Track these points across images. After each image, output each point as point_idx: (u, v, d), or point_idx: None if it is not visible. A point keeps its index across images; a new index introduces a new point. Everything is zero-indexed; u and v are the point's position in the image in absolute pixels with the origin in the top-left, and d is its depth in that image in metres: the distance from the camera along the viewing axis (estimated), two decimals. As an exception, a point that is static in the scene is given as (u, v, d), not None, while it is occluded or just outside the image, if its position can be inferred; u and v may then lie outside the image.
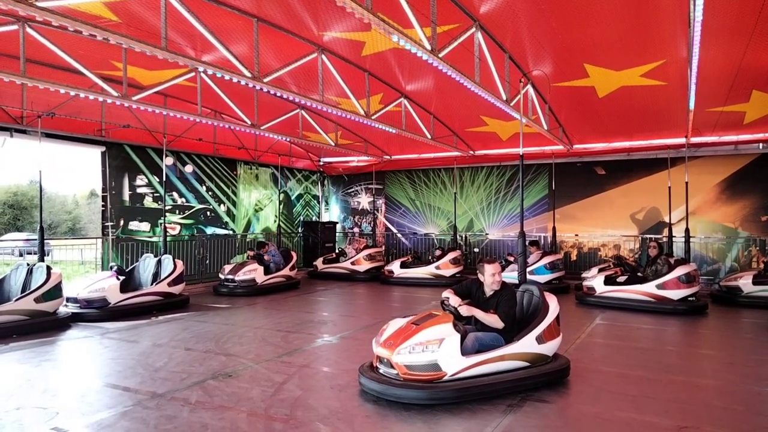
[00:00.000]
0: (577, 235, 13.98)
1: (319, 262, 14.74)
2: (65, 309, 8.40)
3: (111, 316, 8.55)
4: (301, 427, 4.15)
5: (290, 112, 11.59)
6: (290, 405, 4.61)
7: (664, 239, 11.84)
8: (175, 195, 13.12)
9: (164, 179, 11.21)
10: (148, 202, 12.38)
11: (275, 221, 15.96)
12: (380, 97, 10.43)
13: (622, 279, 9.80)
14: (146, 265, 9.84)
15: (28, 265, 8.24)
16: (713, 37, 6.75)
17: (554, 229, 12.73)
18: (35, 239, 8.81)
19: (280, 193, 16.10)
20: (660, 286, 9.13)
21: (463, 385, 4.63)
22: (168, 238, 11.04)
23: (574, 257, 14.04)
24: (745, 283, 9.76)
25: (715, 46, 7.18)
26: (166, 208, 12.02)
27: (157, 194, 12.44)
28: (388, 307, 10.22)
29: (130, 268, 10.02)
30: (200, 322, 8.32)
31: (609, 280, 9.81)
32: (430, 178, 16.24)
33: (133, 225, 12.03)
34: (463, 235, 15.50)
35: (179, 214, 13.21)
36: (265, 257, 12.01)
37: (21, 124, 9.85)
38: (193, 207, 13.57)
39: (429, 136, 11.87)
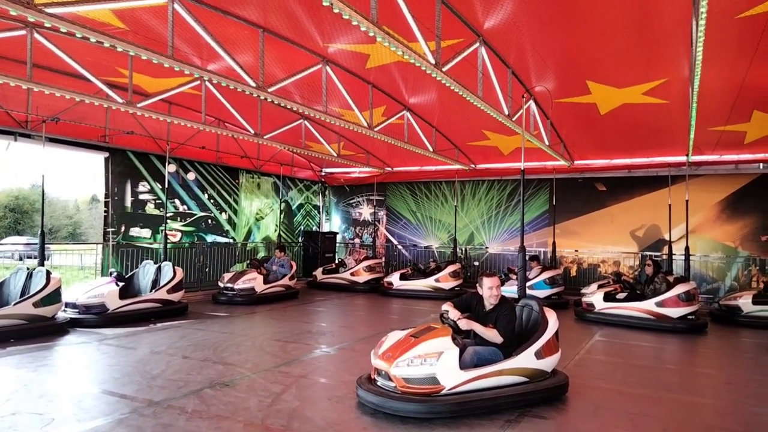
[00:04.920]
0: (577, 250, 13.98)
1: (318, 273, 14.71)
2: (64, 314, 8.38)
3: (109, 322, 8.52)
4: (297, 438, 4.13)
5: (293, 122, 11.65)
6: (287, 416, 4.59)
7: (664, 257, 11.84)
8: (177, 202, 13.14)
9: (166, 186, 11.24)
10: (150, 208, 12.40)
11: (276, 230, 15.97)
12: (383, 109, 10.49)
13: (621, 296, 9.77)
14: (146, 271, 9.83)
15: (27, 269, 8.24)
16: (715, 57, 6.80)
17: (554, 244, 12.72)
18: (35, 243, 8.84)
19: (281, 203, 16.13)
20: (659, 304, 9.10)
21: (462, 399, 4.61)
22: (168, 245, 11.03)
23: (573, 273, 14.01)
24: (745, 302, 9.73)
25: (717, 66, 7.23)
26: (168, 215, 12.04)
27: (159, 201, 12.47)
28: (387, 319, 10.19)
29: (129, 274, 10.01)
30: (198, 330, 8.30)
31: (608, 297, 9.78)
32: (432, 191, 16.27)
33: (134, 231, 12.04)
34: (464, 249, 15.50)
35: (180, 221, 13.23)
36: (273, 266, 12.05)
37: (25, 128, 9.89)
38: (195, 214, 13.59)
39: (431, 149, 11.92)
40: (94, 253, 11.78)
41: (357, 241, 17.79)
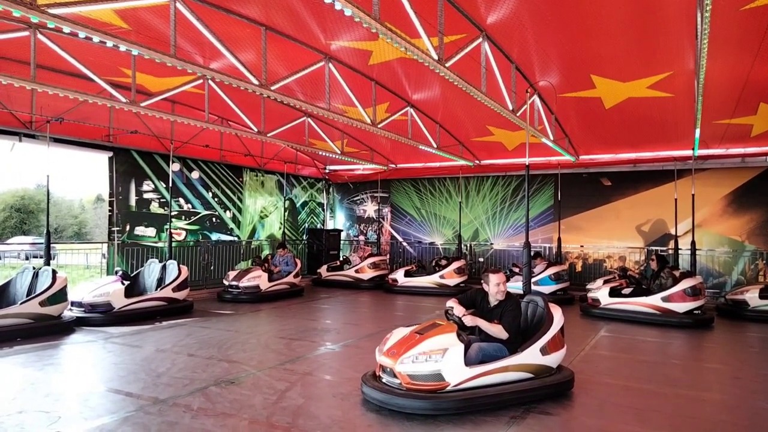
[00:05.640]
0: (582, 246, 13.93)
1: (323, 270, 14.74)
2: (70, 313, 8.42)
3: (115, 320, 8.56)
4: (302, 435, 4.14)
5: (296, 120, 11.64)
6: (292, 413, 4.60)
7: (670, 251, 11.78)
8: (182, 201, 13.17)
9: (171, 185, 11.26)
10: (155, 207, 12.43)
11: (280, 228, 15.99)
12: (387, 105, 10.46)
13: (627, 291, 9.74)
14: (151, 270, 9.87)
15: (33, 268, 8.28)
16: (720, 49, 6.75)
17: (559, 239, 12.68)
18: (41, 243, 8.86)
19: (285, 200, 16.13)
20: (665, 299, 9.07)
21: (467, 395, 4.60)
22: (173, 244, 11.06)
23: (579, 268, 13.97)
24: (752, 296, 9.68)
25: (722, 59, 7.17)
26: (172, 213, 12.06)
27: (164, 200, 12.50)
28: (392, 316, 10.20)
29: (134, 273, 10.05)
30: (204, 328, 8.33)
31: (614, 292, 9.75)
32: (436, 187, 16.24)
33: (139, 230, 12.08)
34: (468, 245, 15.48)
35: (185, 219, 13.26)
36: (275, 268, 12.05)
37: (30, 128, 9.92)
38: (199, 213, 13.62)
39: (435, 145, 11.89)
40: (100, 252, 11.82)
41: (361, 238, 17.79)
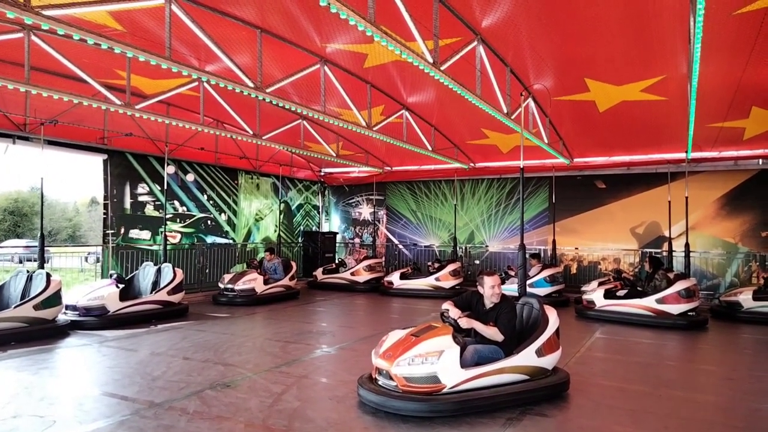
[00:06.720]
0: (577, 248, 13.98)
1: (318, 273, 14.72)
2: (64, 316, 8.38)
3: (110, 324, 8.52)
4: (298, 438, 4.13)
5: (292, 123, 11.65)
6: (288, 416, 4.59)
7: (664, 254, 11.84)
8: (176, 203, 13.14)
9: (165, 188, 11.24)
10: (149, 210, 12.40)
11: (275, 231, 15.97)
12: (382, 108, 10.48)
13: (622, 293, 9.78)
14: (146, 273, 9.83)
15: (27, 272, 8.23)
16: (713, 53, 6.81)
17: (554, 242, 12.72)
18: (35, 246, 8.82)
19: (280, 203, 16.12)
20: (660, 301, 9.11)
21: (462, 397, 4.61)
22: (168, 247, 11.03)
23: (574, 270, 14.02)
24: (745, 298, 9.74)
25: (715, 63, 7.23)
26: (167, 216, 12.03)
27: (158, 202, 12.46)
28: (388, 319, 10.19)
29: (129, 276, 10.01)
30: (199, 332, 8.30)
31: (609, 294, 9.78)
32: (431, 190, 16.27)
33: (134, 233, 12.04)
34: (464, 247, 15.50)
35: (180, 222, 13.22)
36: (263, 275, 11.93)
37: (24, 131, 9.89)
38: (194, 216, 13.59)
39: (430, 148, 11.91)
40: (93, 255, 11.78)
41: (357, 240, 17.79)
